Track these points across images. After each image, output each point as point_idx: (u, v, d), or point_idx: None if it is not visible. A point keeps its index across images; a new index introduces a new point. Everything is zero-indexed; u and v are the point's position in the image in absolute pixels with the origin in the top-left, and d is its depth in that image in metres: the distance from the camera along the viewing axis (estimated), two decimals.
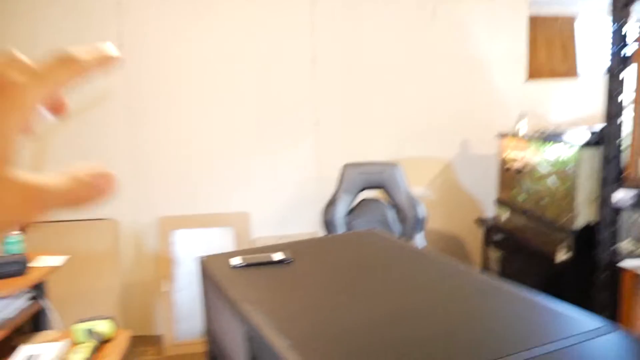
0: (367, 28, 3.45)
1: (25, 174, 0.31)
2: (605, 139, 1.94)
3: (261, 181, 3.48)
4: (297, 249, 1.66)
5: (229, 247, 3.45)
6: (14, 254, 1.87)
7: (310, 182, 3.53)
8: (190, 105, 3.35)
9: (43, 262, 2.00)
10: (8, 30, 3.15)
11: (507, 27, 3.56)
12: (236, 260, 1.51)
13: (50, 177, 0.32)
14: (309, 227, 3.57)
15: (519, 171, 3.15)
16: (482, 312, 1.17)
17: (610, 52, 2.03)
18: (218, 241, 3.46)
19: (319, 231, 3.58)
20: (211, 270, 1.48)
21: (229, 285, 1.34)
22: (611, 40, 1.94)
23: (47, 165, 3.26)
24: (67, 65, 0.33)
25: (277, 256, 1.54)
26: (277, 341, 1.04)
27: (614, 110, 1.95)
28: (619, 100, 1.88)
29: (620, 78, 1.87)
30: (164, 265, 3.37)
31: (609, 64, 2.19)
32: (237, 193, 3.47)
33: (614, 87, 1.92)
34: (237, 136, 3.42)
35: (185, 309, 3.40)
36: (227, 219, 3.47)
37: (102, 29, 3.20)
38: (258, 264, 1.50)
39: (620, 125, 1.87)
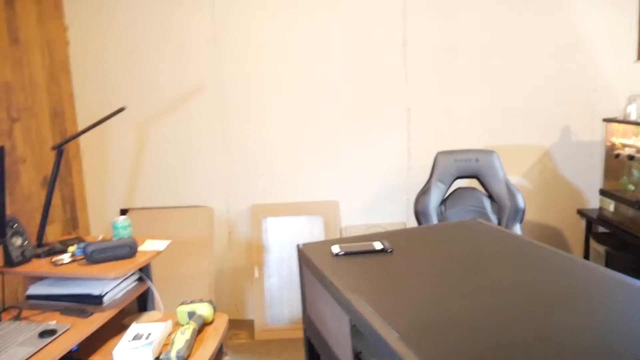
0: (460, 9, 3.31)
1: None
2: None
3: (350, 169, 3.46)
4: (396, 238, 1.62)
5: (318, 235, 3.47)
6: (124, 238, 1.98)
7: (400, 170, 3.47)
8: (280, 94, 3.38)
9: (149, 246, 2.09)
10: (108, 19, 3.33)
11: (612, 2, 3.29)
12: (337, 249, 1.49)
13: None
14: (398, 216, 3.51)
15: (631, 157, 2.92)
16: (608, 312, 1.08)
17: None
18: (307, 229, 3.49)
19: (407, 221, 3.52)
20: (311, 258, 1.47)
21: (332, 273, 1.33)
22: None
23: (144, 157, 3.43)
24: None
25: (378, 245, 1.51)
26: (385, 332, 1.02)
27: None
28: None
29: None
30: (255, 252, 3.44)
31: None
32: (326, 181, 3.47)
33: None
34: (327, 124, 3.41)
35: (275, 295, 3.46)
36: (316, 207, 3.49)
37: (195, 20, 3.29)
38: (359, 253, 1.47)
39: None
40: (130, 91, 3.38)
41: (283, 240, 3.48)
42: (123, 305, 1.89)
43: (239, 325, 3.53)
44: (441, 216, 2.79)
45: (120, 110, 2.49)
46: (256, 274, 3.43)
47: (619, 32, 3.37)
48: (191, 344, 1.72)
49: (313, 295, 1.51)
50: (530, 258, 1.41)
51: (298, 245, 1.60)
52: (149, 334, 1.75)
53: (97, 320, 1.77)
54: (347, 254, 1.47)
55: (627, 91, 3.24)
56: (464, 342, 0.97)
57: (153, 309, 2.22)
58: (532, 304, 1.12)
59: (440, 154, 2.82)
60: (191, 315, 1.90)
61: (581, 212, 3.40)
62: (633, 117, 3.02)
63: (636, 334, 0.96)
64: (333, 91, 3.37)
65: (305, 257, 1.52)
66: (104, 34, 3.35)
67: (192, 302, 1.93)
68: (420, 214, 2.77)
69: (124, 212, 3.51)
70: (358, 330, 1.14)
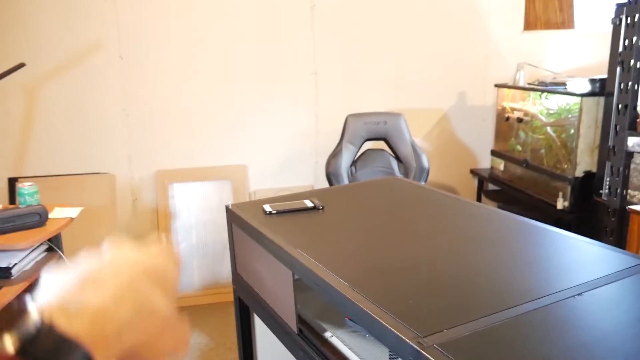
0: None
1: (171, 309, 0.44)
2: (619, 87, 1.97)
3: (259, 134, 3.44)
4: (323, 197, 1.67)
5: (227, 199, 3.44)
6: (32, 205, 1.83)
7: (308, 134, 3.51)
8: (187, 57, 3.25)
9: (59, 213, 1.96)
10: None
11: None
12: (269, 208, 1.50)
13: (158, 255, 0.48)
14: (307, 179, 3.57)
15: (519, 120, 3.19)
16: (525, 251, 1.20)
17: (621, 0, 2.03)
18: (216, 194, 3.45)
19: (315, 184, 3.59)
20: (244, 217, 1.47)
21: (269, 231, 1.34)
22: None
23: (35, 121, 3.16)
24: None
25: (309, 203, 1.54)
26: (334, 281, 1.06)
27: (626, 58, 1.97)
28: (636, 48, 1.90)
29: (636, 24, 1.89)
30: (162, 219, 3.35)
31: (619, 11, 2.19)
32: (234, 146, 3.43)
33: (630, 34, 1.94)
34: (234, 88, 3.35)
35: (184, 262, 3.40)
36: (224, 172, 3.45)
37: None
38: (291, 211, 1.50)
39: (635, 72, 1.90)
40: (20, 47, 3.07)
41: (191, 206, 3.41)
42: (34, 278, 1.77)
43: None
44: (352, 177, 2.88)
45: (20, 66, 2.26)
46: (164, 242, 3.34)
47: (509, 5, 3.62)
48: None
49: (246, 254, 1.52)
50: (450, 208, 1.52)
51: (227, 206, 1.59)
52: None
53: (7, 294, 1.65)
54: (279, 212, 1.49)
55: (515, 59, 3.51)
56: (404, 282, 1.04)
57: None
58: (460, 245, 1.22)
59: (351, 116, 2.90)
60: None
61: (474, 172, 3.68)
62: (521, 83, 3.29)
63: (552, 269, 1.09)
64: (239, 54, 3.31)
65: (237, 217, 1.51)
66: None
67: None
68: (332, 175, 2.84)
69: (12, 181, 3.23)
70: (304, 284, 1.18)
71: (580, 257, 1.17)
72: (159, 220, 3.35)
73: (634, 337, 0.83)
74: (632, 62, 1.92)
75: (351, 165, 2.92)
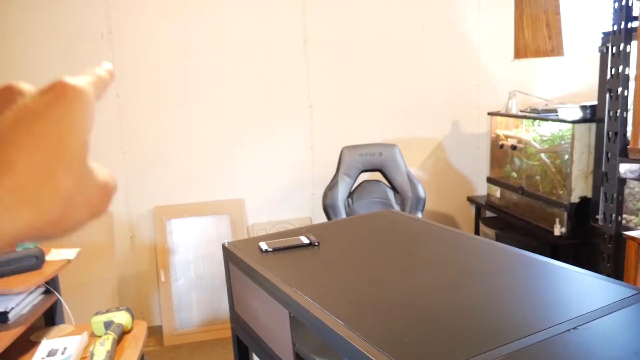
0: (357, 8, 3.44)
1: (98, 169, 0.36)
2: (608, 114, 2.00)
3: (255, 167, 3.46)
4: (318, 232, 1.67)
5: (225, 234, 3.44)
6: (28, 248, 1.83)
7: (304, 166, 3.53)
8: (182, 92, 3.29)
9: (56, 255, 1.96)
10: None
11: (495, 6, 3.60)
12: (265, 245, 1.51)
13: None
14: (304, 211, 3.58)
15: (514, 147, 3.21)
16: (520, 284, 1.20)
17: (608, 28, 2.07)
18: (214, 229, 3.45)
19: (312, 216, 3.60)
20: (240, 256, 1.47)
21: (264, 269, 1.35)
22: (613, 17, 1.98)
23: None
24: (103, 80, 0.40)
25: (304, 239, 1.54)
26: (329, 320, 1.06)
27: (614, 86, 2.00)
28: (623, 76, 1.93)
29: (622, 54, 1.92)
30: (160, 255, 3.34)
31: (604, 40, 2.24)
32: (231, 180, 3.45)
33: (614, 63, 1.97)
34: (230, 123, 3.39)
35: (183, 298, 3.38)
36: (222, 206, 3.46)
37: (89, 12, 3.11)
38: (287, 248, 1.50)
39: (625, 100, 1.93)
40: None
41: (189, 241, 3.41)
42: (31, 321, 1.76)
43: (148, 332, 3.39)
44: (349, 209, 2.89)
45: None
46: (162, 278, 3.33)
47: (499, 35, 3.69)
48: (112, 355, 1.65)
49: (243, 292, 1.52)
50: (445, 240, 1.53)
51: (223, 244, 1.59)
52: (65, 349, 1.65)
53: (4, 339, 1.64)
54: (275, 249, 1.49)
55: (507, 87, 3.56)
56: (399, 319, 1.04)
57: (62, 322, 2.08)
58: (455, 279, 1.22)
59: (346, 148, 2.92)
60: (107, 325, 1.82)
61: (471, 199, 3.69)
62: (513, 111, 3.33)
63: (546, 301, 1.09)
64: (236, 89, 3.36)
65: (233, 255, 1.52)
66: None
67: (107, 311, 1.85)
68: (329, 208, 2.85)
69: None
70: (300, 322, 1.17)
71: (575, 289, 1.17)
72: (157, 257, 3.34)
73: None
74: (619, 90, 1.96)
75: (348, 197, 2.94)
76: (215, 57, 3.30)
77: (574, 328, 0.94)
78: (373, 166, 2.92)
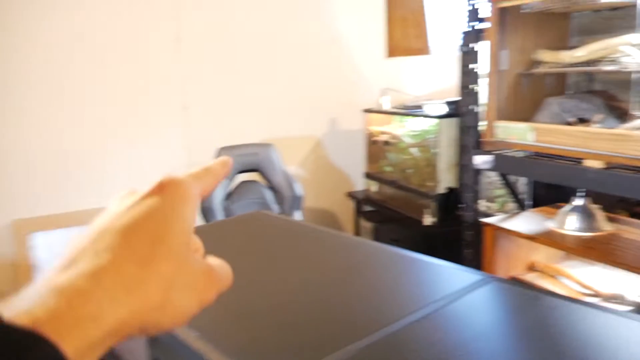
0: (231, 6, 3.37)
1: (208, 258, 0.41)
2: (463, 110, 2.13)
3: (126, 174, 3.27)
4: None
5: None
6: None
7: (180, 170, 3.40)
8: (42, 94, 3.03)
9: None
10: None
11: (366, 6, 3.71)
12: None
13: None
14: None
15: (387, 143, 3.33)
16: (384, 278, 1.23)
17: (465, 28, 2.20)
18: None
19: None
20: None
21: None
22: (467, 18, 2.11)
23: None
24: (212, 172, 0.43)
25: None
26: (183, 333, 1.00)
27: (469, 82, 2.13)
28: (474, 73, 2.07)
29: (474, 53, 2.05)
30: (23, 273, 3.05)
31: (463, 39, 2.37)
32: (101, 188, 3.23)
33: (469, 61, 2.11)
34: (96, 127, 3.17)
35: None
36: (92, 216, 3.23)
37: None
38: None
39: (476, 96, 2.07)
40: None
41: (57, 256, 3.15)
42: None
43: None
44: (227, 211, 2.83)
45: None
46: None
47: (371, 34, 3.81)
48: None
49: None
50: (312, 241, 1.53)
51: None
52: None
53: None
54: None
55: (380, 84, 3.68)
56: (261, 324, 1.01)
57: None
58: (320, 278, 1.22)
59: (222, 149, 2.85)
60: None
61: (350, 195, 3.78)
62: (386, 107, 3.45)
63: (403, 295, 1.12)
64: (103, 91, 3.15)
65: None
66: None
67: None
68: (205, 211, 2.77)
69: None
70: (156, 338, 1.11)
71: (432, 278, 1.22)
72: (19, 276, 3.05)
73: (480, 351, 0.86)
74: (470, 86, 2.09)
75: (227, 199, 2.87)
76: (80, 57, 3.06)
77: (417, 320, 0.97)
78: (250, 167, 2.88)
